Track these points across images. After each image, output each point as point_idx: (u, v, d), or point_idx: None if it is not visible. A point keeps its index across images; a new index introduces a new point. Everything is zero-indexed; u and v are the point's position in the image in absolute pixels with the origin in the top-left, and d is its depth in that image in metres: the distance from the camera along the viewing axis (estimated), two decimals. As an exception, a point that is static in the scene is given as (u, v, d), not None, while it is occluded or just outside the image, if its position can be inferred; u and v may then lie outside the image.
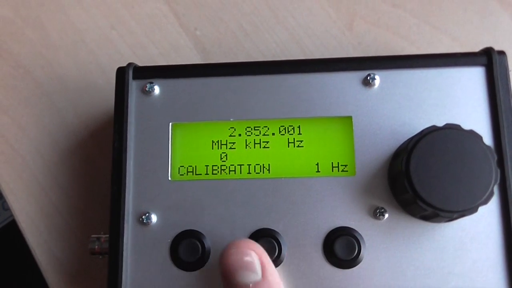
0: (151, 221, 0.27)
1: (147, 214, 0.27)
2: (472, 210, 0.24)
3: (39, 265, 0.33)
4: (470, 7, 0.35)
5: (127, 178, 0.28)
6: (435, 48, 0.34)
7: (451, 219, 0.25)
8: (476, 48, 0.29)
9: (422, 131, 0.25)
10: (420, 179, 0.24)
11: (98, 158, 0.34)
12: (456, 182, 0.24)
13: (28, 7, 0.37)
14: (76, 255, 0.32)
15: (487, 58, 0.28)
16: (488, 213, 0.26)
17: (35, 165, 0.34)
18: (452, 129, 0.24)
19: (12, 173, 0.34)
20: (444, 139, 0.24)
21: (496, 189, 0.26)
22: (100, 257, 0.29)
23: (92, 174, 0.34)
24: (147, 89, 0.29)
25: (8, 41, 0.36)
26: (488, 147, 0.24)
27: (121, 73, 0.29)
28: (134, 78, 0.29)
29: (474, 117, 0.27)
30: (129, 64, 0.29)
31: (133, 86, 0.29)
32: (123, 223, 0.27)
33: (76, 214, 0.33)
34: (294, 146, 0.28)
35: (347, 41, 0.35)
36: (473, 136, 0.24)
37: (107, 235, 0.28)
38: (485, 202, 0.24)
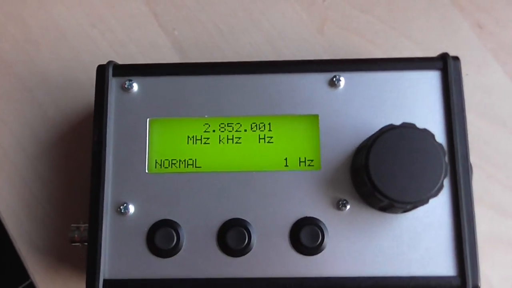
0: (129, 211, 0.29)
1: (125, 205, 0.29)
2: (423, 201, 0.26)
3: (19, 254, 0.34)
4: (433, 14, 0.37)
5: (106, 170, 0.29)
6: (399, 51, 0.36)
7: (406, 210, 0.28)
8: (437, 53, 0.31)
9: (381, 129, 0.27)
10: (378, 173, 0.26)
11: (78, 152, 0.35)
12: (410, 176, 0.26)
13: (10, 4, 0.38)
14: (56, 245, 0.34)
15: (443, 63, 0.30)
16: (440, 205, 0.29)
17: (16, 157, 0.35)
18: (407, 127, 0.27)
19: (-6, 165, 0.35)
20: (400, 136, 0.26)
21: (447, 183, 0.29)
22: (80, 245, 0.30)
23: (72, 167, 0.35)
24: (126, 86, 0.30)
25: (-9, 37, 0.37)
26: (439, 144, 0.26)
27: (102, 70, 0.30)
28: (114, 75, 0.30)
29: (430, 117, 0.29)
30: (109, 62, 0.31)
31: (113, 83, 0.30)
32: (102, 213, 0.29)
33: (56, 204, 0.34)
34: (265, 142, 0.30)
35: (318, 44, 0.37)
36: (426, 134, 0.26)
37: (87, 225, 0.30)
38: (435, 194, 0.26)
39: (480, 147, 0.35)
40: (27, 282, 0.72)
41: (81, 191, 0.34)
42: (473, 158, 0.33)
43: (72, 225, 0.30)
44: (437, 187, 0.26)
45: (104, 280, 0.28)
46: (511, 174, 0.34)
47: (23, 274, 0.36)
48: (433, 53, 0.32)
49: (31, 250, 0.34)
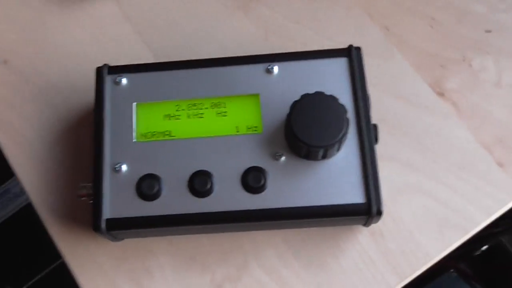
0: (122, 169, 0.39)
1: (119, 164, 0.39)
2: (332, 145, 0.36)
3: (40, 216, 0.44)
4: (350, 21, 0.49)
5: (105, 140, 0.40)
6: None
7: (323, 155, 0.38)
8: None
9: (300, 96, 0.37)
10: (298, 127, 0.36)
11: (84, 137, 0.46)
12: (321, 128, 0.36)
13: (34, 30, 0.49)
14: (68, 203, 0.44)
15: (348, 52, 0.41)
16: (351, 153, 0.39)
17: (37, 143, 0.46)
18: (318, 94, 0.37)
19: (20, 153, 0.46)
20: (313, 100, 0.37)
21: (355, 138, 0.39)
22: (87, 199, 0.40)
23: (79, 147, 0.45)
24: (117, 80, 0.41)
25: (18, 59, 0.49)
26: (342, 105, 0.37)
27: (99, 70, 0.42)
28: (109, 73, 0.41)
29: (341, 90, 0.40)
30: (105, 64, 0.42)
31: (108, 79, 0.41)
32: (103, 171, 0.39)
33: (69, 177, 0.45)
34: (221, 116, 0.41)
35: (264, 48, 0.48)
36: (332, 98, 0.37)
37: (91, 184, 0.40)
38: (341, 141, 0.36)
39: (390, 118, 0.45)
40: (58, 262, 0.83)
41: (86, 165, 0.44)
42: (386, 127, 0.44)
43: (81, 184, 0.40)
44: (340, 134, 0.36)
45: (106, 219, 0.38)
46: (417, 138, 0.45)
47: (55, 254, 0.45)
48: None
49: (49, 214, 0.44)
